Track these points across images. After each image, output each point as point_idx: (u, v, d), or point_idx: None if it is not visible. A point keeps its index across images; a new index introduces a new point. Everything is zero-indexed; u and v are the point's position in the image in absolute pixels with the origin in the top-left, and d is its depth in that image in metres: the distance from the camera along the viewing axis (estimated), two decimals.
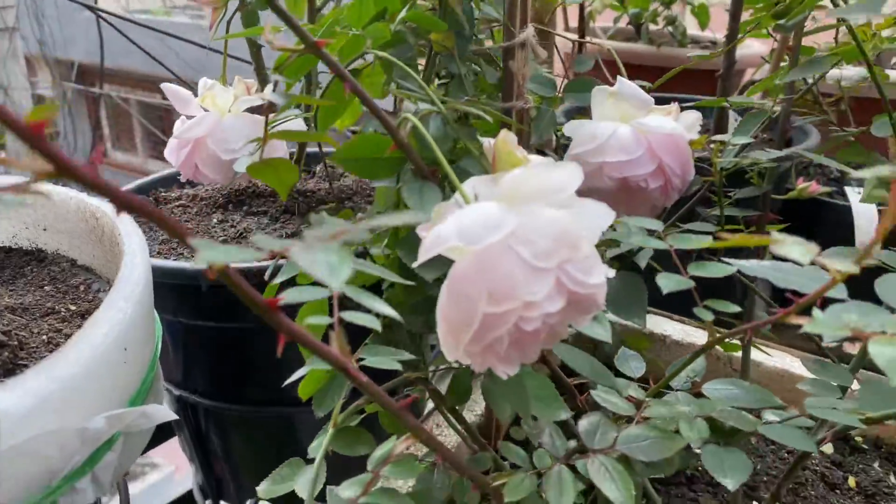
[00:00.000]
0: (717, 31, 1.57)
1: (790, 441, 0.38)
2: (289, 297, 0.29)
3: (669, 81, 1.36)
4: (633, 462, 0.32)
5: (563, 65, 1.40)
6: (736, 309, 0.38)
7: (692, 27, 1.52)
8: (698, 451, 0.39)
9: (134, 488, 2.11)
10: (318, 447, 0.43)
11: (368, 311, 0.28)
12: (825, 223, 1.01)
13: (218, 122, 0.51)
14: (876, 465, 0.62)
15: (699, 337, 0.70)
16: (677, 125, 0.43)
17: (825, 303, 0.32)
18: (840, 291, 0.31)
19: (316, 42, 0.31)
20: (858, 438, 0.64)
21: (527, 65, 0.47)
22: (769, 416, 0.40)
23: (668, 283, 0.33)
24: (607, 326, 0.36)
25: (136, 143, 8.66)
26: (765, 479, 0.60)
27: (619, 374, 0.48)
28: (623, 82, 0.44)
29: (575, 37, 1.28)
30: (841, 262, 0.23)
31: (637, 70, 1.36)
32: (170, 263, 0.58)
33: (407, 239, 0.40)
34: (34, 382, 0.36)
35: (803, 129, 1.02)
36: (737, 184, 0.55)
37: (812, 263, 0.23)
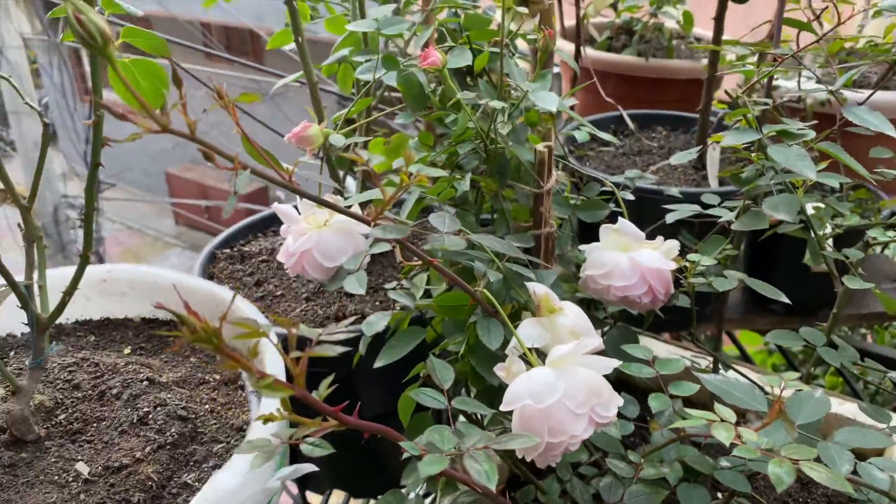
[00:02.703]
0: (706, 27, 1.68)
1: (735, 485, 0.57)
2: (415, 395, 0.48)
3: (659, 90, 1.51)
4: None
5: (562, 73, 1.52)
6: None
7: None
8: None
9: None
10: (414, 484, 0.62)
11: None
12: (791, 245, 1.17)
13: (319, 237, 0.67)
14: None
15: (682, 355, 0.89)
16: (661, 258, 0.60)
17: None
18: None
19: (431, 260, 0.48)
20: None
21: (551, 208, 0.64)
22: (724, 462, 0.59)
23: (657, 403, 0.51)
24: (617, 426, 0.54)
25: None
26: None
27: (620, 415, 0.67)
28: (623, 222, 0.61)
29: (572, 48, 1.43)
30: None
31: (627, 80, 1.50)
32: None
33: (475, 346, 0.58)
34: (241, 463, 0.54)
35: None
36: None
37: None
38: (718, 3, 1.06)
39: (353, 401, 0.75)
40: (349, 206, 0.62)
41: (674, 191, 0.91)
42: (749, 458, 0.44)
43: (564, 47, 1.52)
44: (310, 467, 0.63)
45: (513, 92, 0.67)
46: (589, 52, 1.49)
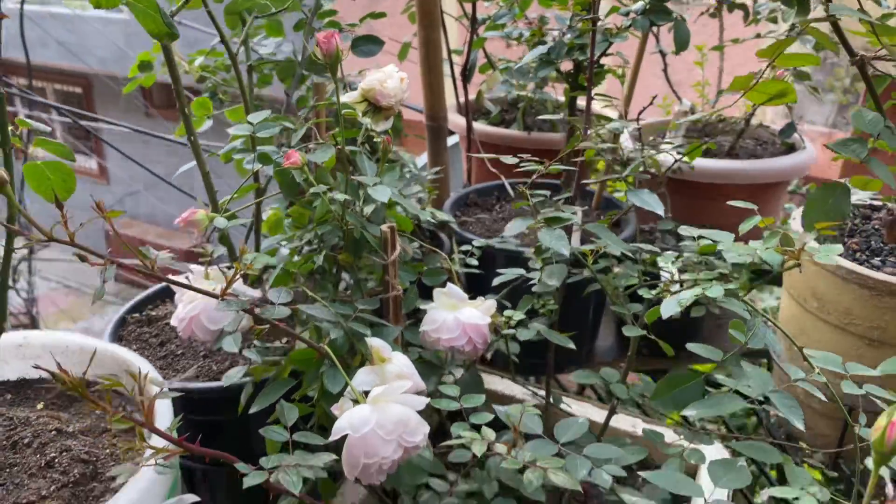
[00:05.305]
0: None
1: (535, 496, 0.71)
2: (264, 432, 0.61)
3: (543, 158, 1.67)
4: None
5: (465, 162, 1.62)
6: None
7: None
8: None
9: None
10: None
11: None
12: None
13: (205, 304, 0.80)
14: None
15: (517, 391, 1.02)
16: (480, 315, 0.75)
17: None
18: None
19: (277, 323, 0.61)
20: None
21: (396, 276, 0.78)
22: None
23: (458, 429, 0.65)
24: (430, 451, 0.68)
25: (56, 138, 8.64)
26: None
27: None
28: (451, 287, 0.76)
29: (463, 123, 1.59)
30: None
31: (515, 150, 1.67)
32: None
33: (325, 392, 0.71)
34: (131, 493, 0.66)
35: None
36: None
37: None
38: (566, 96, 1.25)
39: (250, 437, 0.88)
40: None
41: (529, 251, 1.07)
42: (513, 468, 0.58)
43: (460, 122, 1.70)
44: (193, 497, 0.75)
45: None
46: (479, 126, 1.67)
